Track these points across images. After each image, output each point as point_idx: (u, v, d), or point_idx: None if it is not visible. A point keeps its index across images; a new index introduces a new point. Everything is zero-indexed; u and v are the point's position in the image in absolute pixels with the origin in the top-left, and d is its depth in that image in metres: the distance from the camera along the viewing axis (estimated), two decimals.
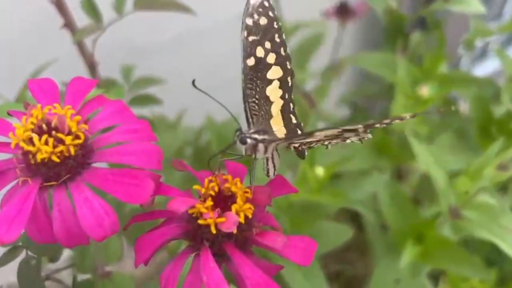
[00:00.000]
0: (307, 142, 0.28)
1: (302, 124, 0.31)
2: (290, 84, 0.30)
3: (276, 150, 0.28)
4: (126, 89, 0.48)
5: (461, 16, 0.74)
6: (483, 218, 0.49)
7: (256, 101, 0.29)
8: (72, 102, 0.25)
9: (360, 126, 0.25)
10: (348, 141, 0.28)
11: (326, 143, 0.29)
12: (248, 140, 0.26)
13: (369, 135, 0.27)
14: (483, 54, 0.97)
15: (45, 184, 0.23)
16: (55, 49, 0.46)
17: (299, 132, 0.31)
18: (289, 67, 0.30)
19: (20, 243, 0.30)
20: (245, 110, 0.29)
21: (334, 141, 0.28)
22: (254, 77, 0.29)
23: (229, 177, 0.26)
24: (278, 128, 0.30)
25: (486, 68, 0.95)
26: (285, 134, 0.30)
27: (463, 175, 0.49)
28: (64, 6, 0.39)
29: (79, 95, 0.26)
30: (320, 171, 0.50)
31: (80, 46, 0.41)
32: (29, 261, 0.29)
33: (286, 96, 0.30)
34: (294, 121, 0.31)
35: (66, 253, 0.36)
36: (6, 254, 0.29)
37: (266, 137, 0.27)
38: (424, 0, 0.65)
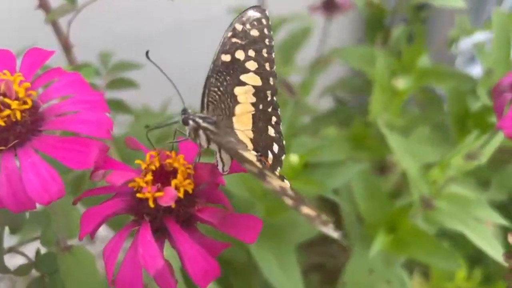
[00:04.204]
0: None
1: (283, 142, 0.30)
2: (269, 98, 0.30)
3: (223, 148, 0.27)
4: (104, 74, 0.49)
5: (449, 13, 0.75)
6: (455, 208, 0.50)
7: (219, 93, 0.29)
8: (26, 71, 0.26)
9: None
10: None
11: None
12: (190, 122, 0.27)
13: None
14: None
15: None
16: (34, 34, 0.46)
17: (276, 147, 0.30)
18: (271, 83, 0.30)
19: None
20: (203, 95, 0.29)
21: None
22: (225, 72, 0.29)
23: (172, 153, 0.27)
24: (245, 129, 0.30)
25: (479, 68, 0.95)
26: (251, 139, 0.30)
27: (436, 166, 0.50)
28: None
29: (35, 65, 0.27)
30: (294, 158, 0.50)
31: (56, 29, 0.42)
32: None
33: (261, 107, 0.30)
34: (272, 133, 0.30)
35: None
36: None
37: (211, 127, 0.27)
38: None
